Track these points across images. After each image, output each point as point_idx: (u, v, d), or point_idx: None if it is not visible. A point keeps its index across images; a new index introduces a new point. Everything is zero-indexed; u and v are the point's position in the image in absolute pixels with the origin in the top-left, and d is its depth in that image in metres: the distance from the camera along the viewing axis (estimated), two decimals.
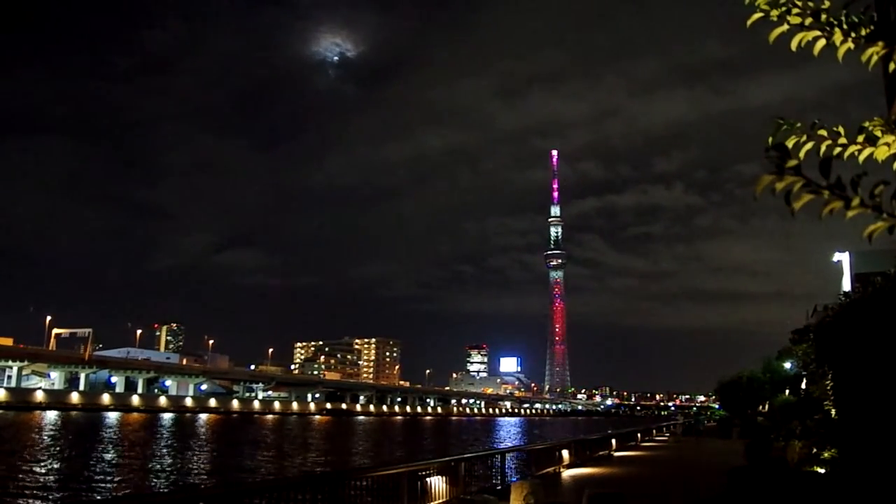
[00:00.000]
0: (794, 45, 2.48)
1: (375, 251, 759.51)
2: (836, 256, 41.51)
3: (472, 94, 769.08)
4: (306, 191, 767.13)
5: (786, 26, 2.48)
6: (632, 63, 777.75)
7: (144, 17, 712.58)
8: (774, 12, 2.47)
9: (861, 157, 2.33)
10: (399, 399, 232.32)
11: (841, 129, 2.35)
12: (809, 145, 2.31)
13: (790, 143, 2.29)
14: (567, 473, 25.06)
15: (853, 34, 2.43)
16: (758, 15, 2.51)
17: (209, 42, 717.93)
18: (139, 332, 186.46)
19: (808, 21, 2.45)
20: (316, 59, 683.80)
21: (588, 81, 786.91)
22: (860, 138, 2.34)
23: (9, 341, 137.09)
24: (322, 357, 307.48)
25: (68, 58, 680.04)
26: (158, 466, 42.30)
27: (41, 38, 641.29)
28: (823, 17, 2.45)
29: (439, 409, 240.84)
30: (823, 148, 2.31)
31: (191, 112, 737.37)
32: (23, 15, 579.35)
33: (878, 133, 2.35)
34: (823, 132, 2.33)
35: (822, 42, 2.46)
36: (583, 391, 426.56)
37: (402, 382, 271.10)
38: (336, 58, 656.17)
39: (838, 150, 2.33)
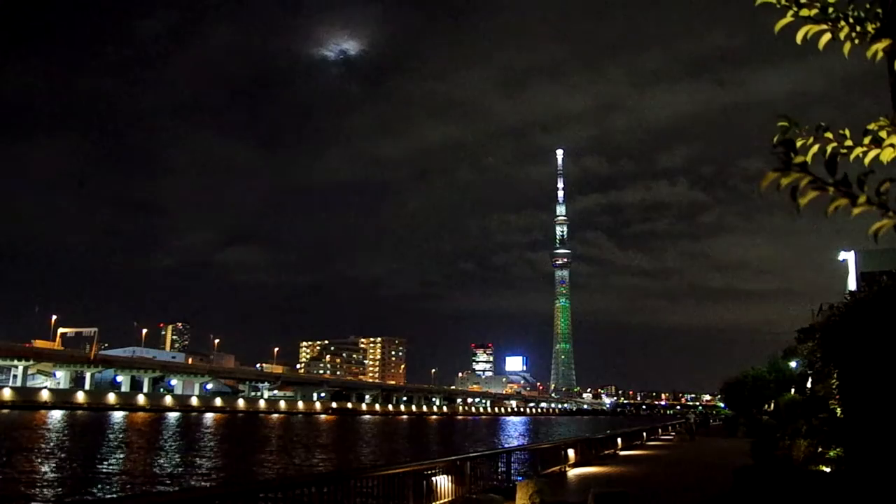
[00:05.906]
0: (799, 37, 2.45)
1: (377, 248, 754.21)
2: (842, 255, 41.48)
3: (473, 87, 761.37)
4: (307, 187, 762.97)
5: (791, 17, 2.45)
6: (635, 55, 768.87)
7: (135, 7, 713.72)
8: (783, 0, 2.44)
9: (867, 160, 2.30)
10: (405, 398, 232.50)
11: (847, 132, 2.33)
12: (815, 148, 2.29)
13: (796, 145, 2.27)
14: (573, 472, 25.03)
15: (858, 28, 2.41)
16: None
17: (205, 35, 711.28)
18: (145, 331, 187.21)
19: (814, 13, 2.43)
20: (315, 54, 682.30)
21: (590, 74, 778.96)
22: (866, 140, 2.32)
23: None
24: (328, 356, 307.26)
25: (59, 49, 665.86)
26: (164, 466, 42.40)
27: (31, 29, 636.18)
28: (831, 10, 2.43)
29: (445, 409, 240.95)
30: (829, 149, 2.29)
31: (189, 108, 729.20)
32: (11, 7, 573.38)
33: (884, 134, 2.32)
34: (829, 135, 2.31)
35: (827, 36, 2.43)
36: (588, 390, 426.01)
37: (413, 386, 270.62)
38: (335, 53, 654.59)
39: (844, 151, 2.31)
